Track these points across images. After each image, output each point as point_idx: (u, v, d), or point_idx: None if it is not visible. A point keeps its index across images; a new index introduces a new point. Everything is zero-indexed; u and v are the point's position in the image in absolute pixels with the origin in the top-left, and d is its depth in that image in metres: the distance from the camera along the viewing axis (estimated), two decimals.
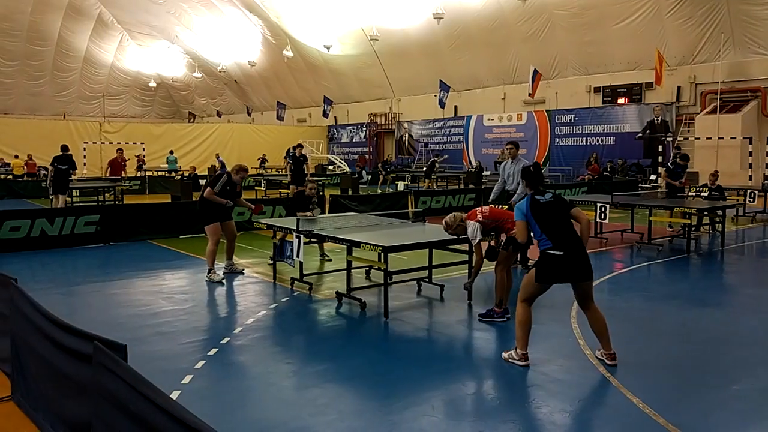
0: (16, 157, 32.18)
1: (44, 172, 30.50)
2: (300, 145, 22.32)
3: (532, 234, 6.34)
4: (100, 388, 3.58)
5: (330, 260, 11.78)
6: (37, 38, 53.49)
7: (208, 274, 10.35)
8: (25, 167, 31.64)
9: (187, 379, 5.85)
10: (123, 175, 24.95)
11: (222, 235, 10.60)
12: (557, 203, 6.31)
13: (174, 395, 5.35)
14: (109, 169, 24.43)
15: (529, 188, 6.43)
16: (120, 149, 26.22)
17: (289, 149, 34.41)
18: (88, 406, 3.83)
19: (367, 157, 44.51)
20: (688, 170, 17.35)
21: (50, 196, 19.26)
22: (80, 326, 4.16)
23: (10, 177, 30.27)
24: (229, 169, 12.44)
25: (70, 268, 11.93)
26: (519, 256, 11.28)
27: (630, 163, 29.92)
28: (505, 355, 6.42)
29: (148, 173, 33.45)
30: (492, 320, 7.83)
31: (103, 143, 38.85)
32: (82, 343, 3.98)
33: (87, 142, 37.37)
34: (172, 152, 36.21)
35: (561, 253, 6.03)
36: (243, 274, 10.82)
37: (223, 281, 10.26)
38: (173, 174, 32.28)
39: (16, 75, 54.69)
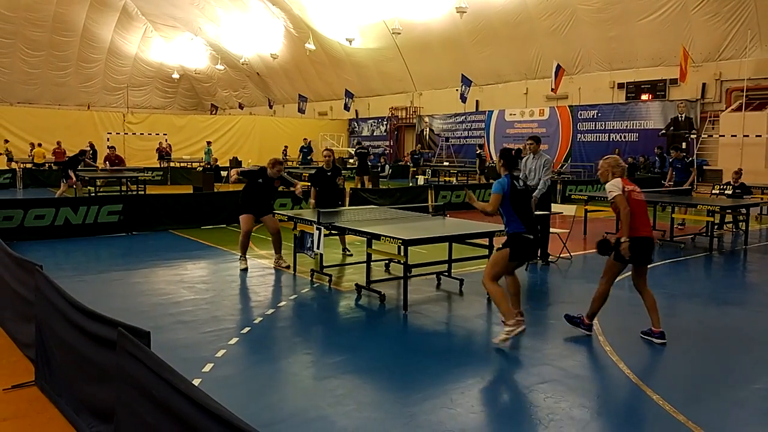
0: (39, 145, 32.26)
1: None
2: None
3: (501, 211, 6.93)
4: (124, 374, 3.63)
5: (351, 254, 11.80)
6: (62, 29, 53.84)
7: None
8: (52, 155, 31.62)
9: (208, 367, 5.90)
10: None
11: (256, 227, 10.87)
12: (526, 192, 7.08)
13: (195, 383, 5.39)
14: (107, 163, 24.63)
15: (505, 169, 6.99)
16: (112, 147, 26.47)
17: (302, 146, 34.59)
18: (112, 392, 3.88)
19: (389, 151, 44.56)
20: (710, 167, 17.03)
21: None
22: (103, 313, 4.21)
23: (30, 165, 30.27)
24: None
25: (94, 257, 12.06)
26: (540, 251, 11.25)
27: (652, 160, 29.66)
28: (496, 340, 6.67)
29: (171, 164, 33.67)
30: (577, 327, 7.15)
31: (127, 134, 39.16)
32: (106, 329, 4.03)
33: (110, 133, 37.69)
34: (209, 143, 35.85)
35: (531, 237, 6.86)
36: (288, 269, 10.63)
37: (247, 269, 10.40)
38: (198, 166, 32.46)
39: (41, 65, 55.09)
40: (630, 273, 7.08)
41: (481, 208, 7.03)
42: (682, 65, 27.78)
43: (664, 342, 6.77)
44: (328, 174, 11.62)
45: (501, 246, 7.03)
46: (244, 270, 10.42)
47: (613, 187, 6.72)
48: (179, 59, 60.75)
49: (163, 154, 36.06)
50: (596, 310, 6.96)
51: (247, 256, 10.80)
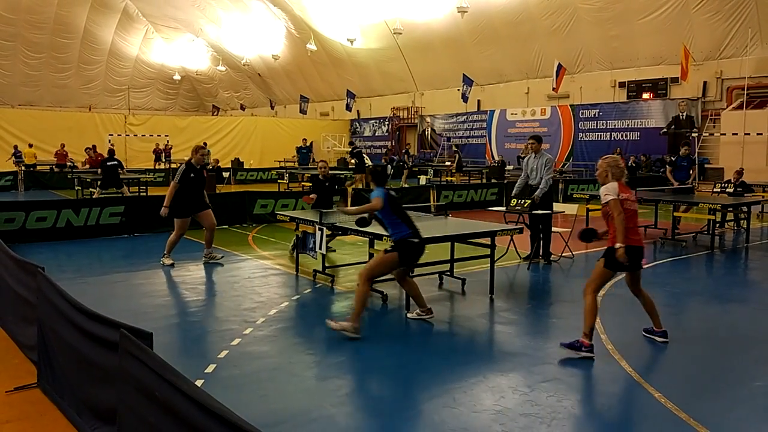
0: (30, 146, 31.93)
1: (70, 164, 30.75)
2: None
3: (382, 218, 7.22)
4: (126, 376, 3.64)
5: (334, 251, 11.96)
6: (63, 31, 53.87)
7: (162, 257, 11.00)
8: (54, 157, 31.49)
9: (211, 368, 5.91)
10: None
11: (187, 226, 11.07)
12: (400, 200, 7.39)
13: (198, 384, 5.40)
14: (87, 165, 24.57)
15: (376, 184, 7.33)
16: (93, 146, 26.39)
17: (300, 146, 34.55)
18: (114, 393, 3.88)
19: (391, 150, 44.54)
20: (711, 166, 16.75)
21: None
22: (106, 315, 4.22)
23: (22, 167, 30.00)
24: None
25: (95, 259, 12.07)
26: (542, 251, 11.25)
27: (654, 159, 29.65)
28: (335, 325, 6.94)
29: (173, 165, 33.63)
30: (578, 351, 6.36)
31: (128, 135, 39.19)
32: (109, 330, 4.03)
33: (112, 134, 37.72)
34: (205, 144, 35.78)
35: (417, 240, 7.06)
36: (222, 265, 11.06)
37: (173, 265, 10.77)
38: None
39: (42, 67, 55.13)
40: (624, 276, 7.01)
41: (356, 211, 7.40)
42: (683, 64, 27.76)
43: (666, 340, 6.76)
44: (326, 184, 11.78)
45: (388, 249, 7.14)
46: (171, 266, 10.75)
47: (609, 190, 6.51)
48: (180, 60, 60.77)
49: (160, 155, 36.03)
50: (592, 325, 6.39)
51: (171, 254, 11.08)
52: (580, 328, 6.43)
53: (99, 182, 19.66)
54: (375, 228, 8.51)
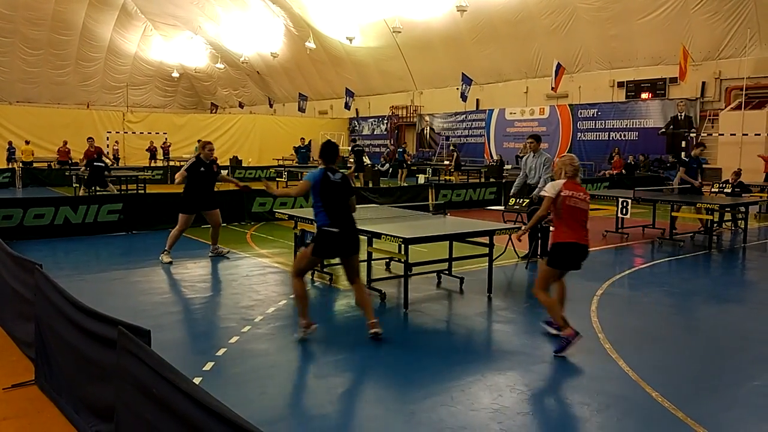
0: (27, 143, 31.68)
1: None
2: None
3: (313, 203, 6.76)
4: (124, 373, 3.63)
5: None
6: (61, 27, 53.82)
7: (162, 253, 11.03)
8: (56, 154, 31.36)
9: (209, 366, 5.91)
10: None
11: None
12: (344, 185, 6.72)
13: (196, 381, 5.39)
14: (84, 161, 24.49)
15: (322, 162, 6.74)
16: (90, 138, 26.29)
17: (299, 146, 34.56)
18: (112, 391, 3.88)
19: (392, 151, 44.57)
20: (709, 166, 16.45)
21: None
22: (104, 312, 4.21)
23: (20, 164, 29.84)
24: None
25: (94, 256, 12.06)
26: (540, 250, 11.26)
27: (652, 159, 29.67)
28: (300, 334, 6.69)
29: (171, 163, 33.62)
30: (570, 346, 6.37)
31: (126, 133, 39.15)
32: (107, 328, 4.03)
33: (110, 132, 37.68)
34: (199, 141, 35.84)
35: (337, 230, 6.54)
36: (228, 259, 11.27)
37: (171, 263, 10.75)
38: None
39: (40, 64, 55.09)
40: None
41: (281, 193, 7.03)
42: (681, 64, 27.78)
43: (558, 333, 6.64)
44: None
45: (310, 240, 7.02)
46: (169, 263, 10.74)
47: (550, 188, 6.66)
48: (179, 58, 60.74)
49: (155, 153, 35.99)
50: (561, 315, 6.51)
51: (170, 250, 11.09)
52: (576, 326, 6.45)
53: (83, 179, 19.70)
54: (375, 226, 8.52)
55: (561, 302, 6.79)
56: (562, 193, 6.53)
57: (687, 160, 15.27)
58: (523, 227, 7.36)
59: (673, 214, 13.88)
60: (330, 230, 6.52)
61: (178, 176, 10.91)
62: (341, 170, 6.82)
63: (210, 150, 11.10)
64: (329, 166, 6.70)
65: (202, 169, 10.88)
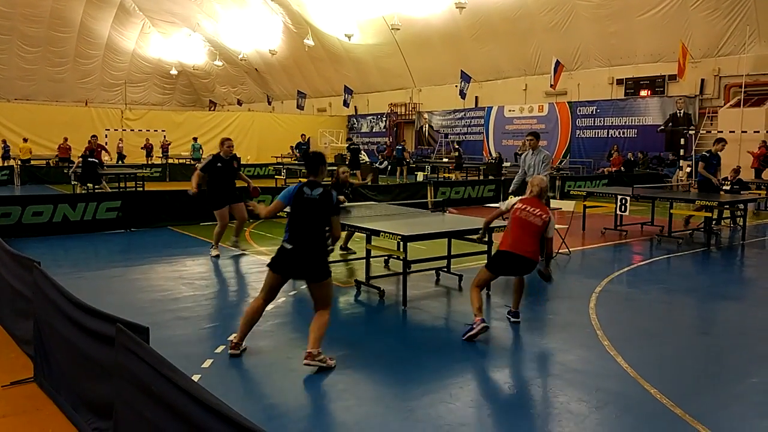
0: (25, 140, 31.53)
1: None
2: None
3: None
4: (123, 370, 3.63)
5: (354, 253, 11.64)
6: (59, 25, 53.74)
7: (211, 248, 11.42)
8: (57, 150, 31.28)
9: (208, 363, 5.91)
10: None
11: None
12: (321, 202, 6.07)
13: (195, 379, 5.39)
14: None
15: (308, 174, 6.24)
16: (94, 136, 26.28)
17: (300, 143, 34.54)
18: (111, 388, 3.88)
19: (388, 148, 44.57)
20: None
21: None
22: (102, 310, 4.21)
23: (18, 162, 29.72)
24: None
25: (92, 253, 12.06)
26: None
27: (651, 156, 29.68)
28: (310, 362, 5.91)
29: (170, 161, 33.58)
30: (474, 330, 6.73)
31: (125, 130, 39.11)
32: (105, 325, 4.03)
33: (108, 129, 37.63)
34: (196, 139, 35.81)
35: (290, 246, 5.99)
36: (246, 253, 11.56)
37: (219, 256, 11.10)
38: (195, 163, 32.36)
39: (38, 61, 55.00)
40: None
41: (266, 213, 6.45)
42: (680, 61, 27.77)
43: (518, 321, 7.37)
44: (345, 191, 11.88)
45: None
46: (216, 257, 11.07)
47: (506, 203, 7.56)
48: (177, 55, 60.66)
49: (150, 150, 35.96)
50: (478, 306, 6.91)
51: (220, 245, 11.47)
52: (575, 323, 6.55)
53: (77, 176, 19.69)
54: (373, 223, 8.52)
55: (519, 291, 7.46)
56: (515, 206, 7.26)
57: (708, 155, 14.78)
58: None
59: (688, 212, 13.87)
60: (283, 245, 6.07)
61: (194, 179, 10.99)
62: (325, 184, 6.29)
63: (229, 146, 11.27)
64: (310, 179, 6.24)
65: (219, 164, 11.06)
